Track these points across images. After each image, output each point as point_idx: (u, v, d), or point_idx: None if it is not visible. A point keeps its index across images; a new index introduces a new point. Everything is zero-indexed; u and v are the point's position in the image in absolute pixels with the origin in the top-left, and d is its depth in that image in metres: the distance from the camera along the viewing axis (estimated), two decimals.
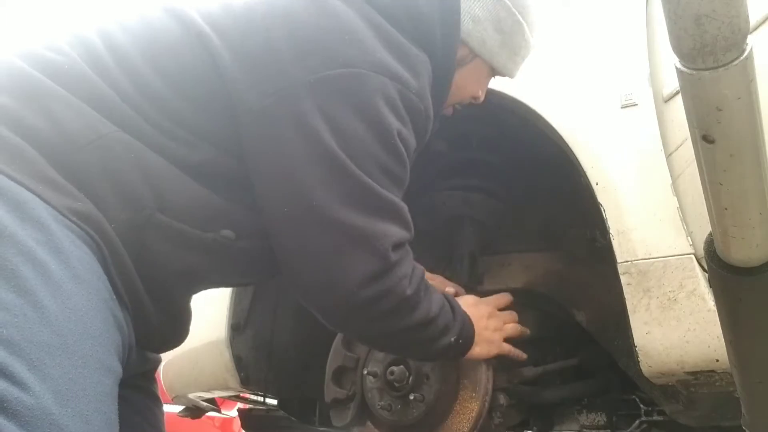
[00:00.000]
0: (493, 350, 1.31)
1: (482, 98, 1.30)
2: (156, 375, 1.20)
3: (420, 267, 1.12)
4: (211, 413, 2.34)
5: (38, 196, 0.83)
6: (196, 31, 1.00)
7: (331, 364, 1.49)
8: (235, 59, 0.99)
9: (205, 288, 1.15)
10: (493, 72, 1.25)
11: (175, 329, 1.10)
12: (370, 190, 0.99)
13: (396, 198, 1.04)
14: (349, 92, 0.97)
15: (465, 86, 1.23)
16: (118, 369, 0.87)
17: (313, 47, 0.98)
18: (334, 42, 0.98)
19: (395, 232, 1.03)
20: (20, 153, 0.87)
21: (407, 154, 1.05)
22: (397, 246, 1.03)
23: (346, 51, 0.98)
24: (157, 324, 1.01)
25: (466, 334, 1.23)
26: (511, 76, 1.27)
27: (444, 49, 1.12)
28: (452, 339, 1.18)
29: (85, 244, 0.86)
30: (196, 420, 2.28)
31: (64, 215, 0.85)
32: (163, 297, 1.01)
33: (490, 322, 1.32)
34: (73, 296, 0.79)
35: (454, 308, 1.21)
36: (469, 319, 1.24)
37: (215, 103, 0.99)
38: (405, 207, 1.07)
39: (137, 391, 1.11)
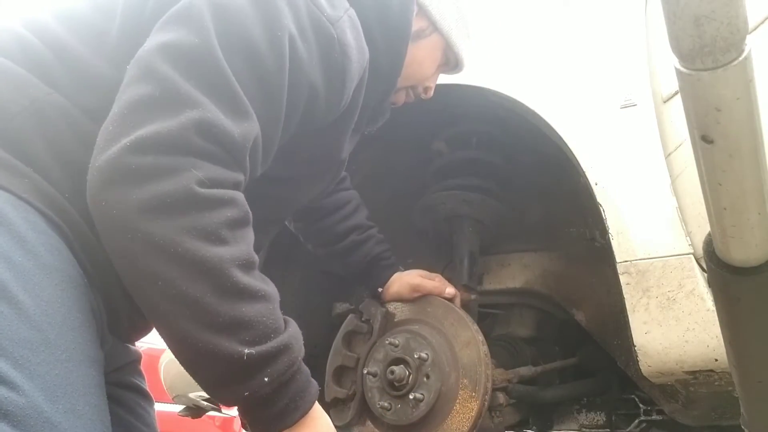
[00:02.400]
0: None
1: (432, 90, 1.28)
2: (141, 368, 1.15)
3: (248, 211, 0.83)
4: (211, 413, 2.34)
5: None
6: None
7: (331, 363, 1.49)
8: None
9: None
10: (446, 54, 1.26)
11: (143, 315, 0.97)
12: (222, 75, 0.81)
13: (247, 102, 0.83)
14: None
15: (420, 64, 1.21)
16: (101, 357, 0.83)
17: None
18: None
19: (215, 119, 0.79)
20: None
21: (294, 67, 0.88)
22: (206, 132, 0.78)
23: None
24: (125, 308, 0.91)
25: (296, 383, 0.85)
26: (462, 63, 1.28)
27: (400, 12, 1.09)
28: (265, 371, 0.79)
29: (48, 227, 0.80)
30: (197, 419, 2.28)
31: (20, 198, 0.79)
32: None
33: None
34: (45, 288, 0.76)
35: (291, 332, 0.85)
36: (309, 379, 0.88)
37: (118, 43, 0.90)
38: (251, 127, 0.84)
39: (125, 389, 1.08)
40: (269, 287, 0.83)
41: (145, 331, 1.04)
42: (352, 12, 1.01)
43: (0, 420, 0.67)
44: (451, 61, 1.28)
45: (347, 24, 0.98)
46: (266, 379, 0.79)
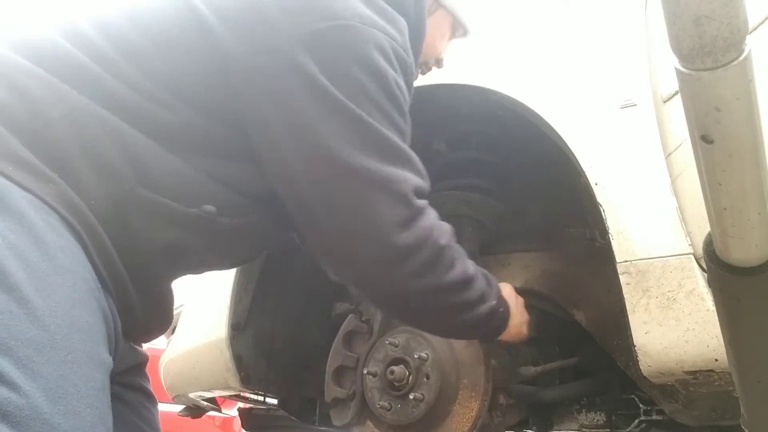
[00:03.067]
0: (523, 337, 1.32)
1: (443, 61, 1.34)
2: (146, 370, 1.18)
3: (448, 224, 1.11)
4: (211, 413, 2.34)
5: (15, 183, 0.81)
6: None
7: (332, 363, 1.49)
8: (221, 19, 0.97)
9: (186, 272, 1.12)
10: (454, 25, 1.32)
11: (158, 316, 1.07)
12: (384, 138, 0.99)
13: (406, 146, 1.04)
14: (344, 44, 0.97)
15: (431, 40, 1.25)
16: (108, 361, 0.85)
17: (299, 4, 0.98)
18: None
19: (412, 177, 1.02)
20: None
21: (405, 106, 1.05)
22: (418, 192, 1.03)
23: (333, 5, 0.98)
24: (140, 311, 0.98)
25: (503, 306, 1.20)
26: (469, 30, 1.34)
27: (416, 6, 1.15)
28: (492, 303, 1.15)
29: (66, 230, 0.83)
30: (197, 419, 2.28)
31: (43, 201, 0.82)
32: (145, 279, 0.98)
33: (519, 308, 1.30)
34: (58, 289, 0.77)
35: (488, 276, 1.19)
36: (502, 295, 1.22)
37: (201, 64, 0.97)
38: (416, 156, 1.06)
39: (131, 390, 1.10)
40: (468, 260, 1.13)
41: (158, 333, 1.09)
42: (405, 24, 1.09)
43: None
44: (459, 30, 1.33)
45: (408, 42, 1.08)
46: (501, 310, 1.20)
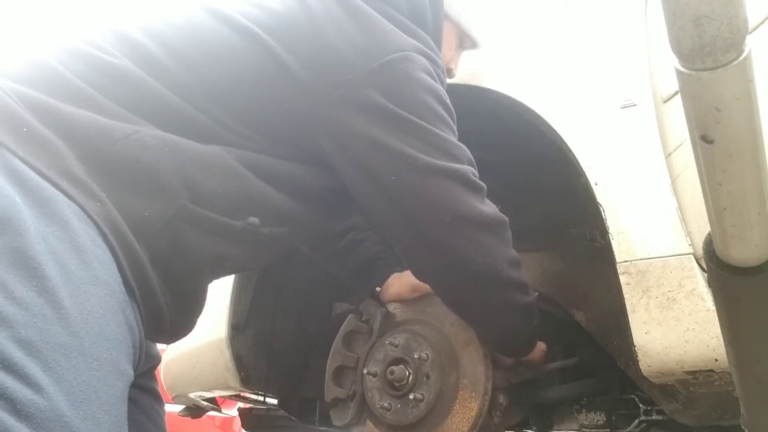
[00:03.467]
0: (539, 361, 1.45)
1: (455, 70, 1.47)
2: (156, 372, 1.22)
3: None
4: (211, 413, 2.34)
5: (62, 192, 0.84)
6: (245, 28, 1.07)
7: (331, 363, 1.49)
8: (295, 58, 1.07)
9: (225, 274, 1.20)
10: (461, 37, 1.43)
11: (188, 319, 1.13)
12: (451, 143, 1.17)
13: (462, 144, 1.21)
14: (407, 71, 1.12)
15: (443, 54, 1.36)
16: (130, 372, 0.87)
17: (364, 40, 1.11)
18: (379, 32, 1.14)
19: (471, 169, 1.22)
20: (48, 146, 0.87)
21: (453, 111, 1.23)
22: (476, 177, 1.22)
23: (392, 39, 1.14)
24: (169, 317, 1.03)
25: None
26: (478, 42, 1.45)
27: (434, 24, 1.29)
28: (534, 317, 1.30)
29: (103, 242, 0.87)
30: (197, 419, 2.28)
31: (86, 213, 0.86)
32: (184, 287, 1.03)
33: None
34: (91, 298, 0.80)
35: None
36: None
37: (278, 99, 1.07)
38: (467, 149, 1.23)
39: (141, 391, 1.13)
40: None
41: (183, 333, 1.14)
42: (427, 38, 1.25)
43: (22, 421, 0.68)
44: (467, 42, 1.44)
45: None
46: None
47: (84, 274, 0.80)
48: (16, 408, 0.68)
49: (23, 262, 0.75)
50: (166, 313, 1.01)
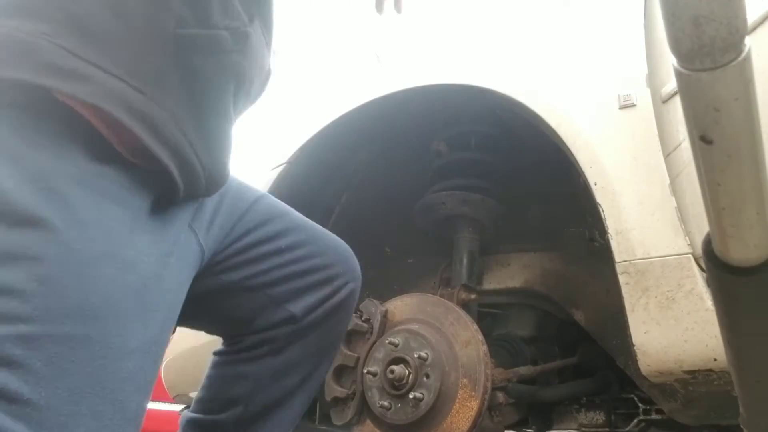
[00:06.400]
0: None
1: None
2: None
3: None
4: None
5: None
6: None
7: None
8: None
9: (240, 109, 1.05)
10: None
11: (221, 167, 0.98)
12: None
13: None
14: None
15: None
16: (146, 337, 0.81)
17: None
18: None
19: None
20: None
21: None
22: None
23: None
24: (203, 169, 0.91)
25: None
26: None
27: None
28: None
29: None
30: None
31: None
32: (211, 129, 0.91)
33: None
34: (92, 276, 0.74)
35: None
36: None
37: None
38: None
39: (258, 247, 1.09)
40: None
41: (222, 183, 1.00)
42: None
43: (17, 420, 0.66)
44: None
45: None
46: None
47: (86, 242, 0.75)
48: (11, 405, 0.66)
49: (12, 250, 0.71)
50: (198, 166, 0.89)
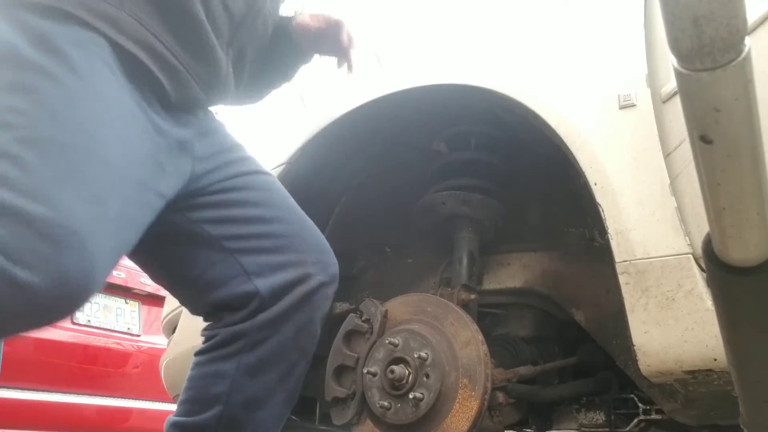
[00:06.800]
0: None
1: None
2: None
3: None
4: None
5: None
6: None
7: (331, 363, 1.49)
8: None
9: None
10: None
11: (212, 71, 1.14)
12: None
13: None
14: None
15: None
16: (142, 165, 0.99)
17: None
18: None
19: None
20: None
21: None
22: None
23: None
24: (180, 63, 1.07)
25: None
26: None
27: None
28: None
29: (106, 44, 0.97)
30: None
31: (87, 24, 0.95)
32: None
33: None
34: (85, 109, 0.92)
35: None
36: None
37: None
38: None
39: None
40: None
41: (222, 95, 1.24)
42: None
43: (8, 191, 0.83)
44: None
45: None
46: None
47: (79, 86, 0.91)
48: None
49: (21, 85, 0.88)
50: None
